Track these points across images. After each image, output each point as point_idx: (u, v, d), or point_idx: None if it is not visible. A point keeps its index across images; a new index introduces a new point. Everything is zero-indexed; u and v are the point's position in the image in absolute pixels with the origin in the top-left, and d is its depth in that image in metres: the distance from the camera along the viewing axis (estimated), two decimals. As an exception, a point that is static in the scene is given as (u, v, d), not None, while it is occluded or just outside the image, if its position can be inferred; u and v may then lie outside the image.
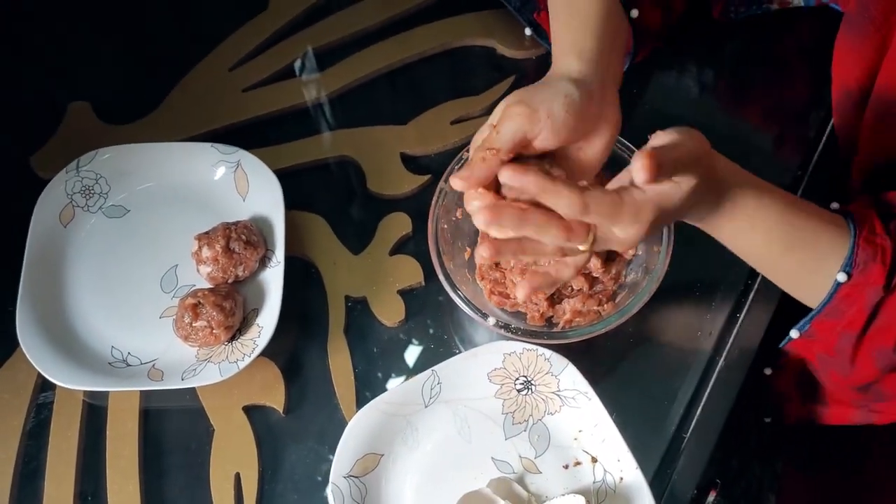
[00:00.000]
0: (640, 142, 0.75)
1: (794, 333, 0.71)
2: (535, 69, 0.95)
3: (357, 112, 0.93)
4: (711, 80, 0.94)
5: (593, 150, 0.62)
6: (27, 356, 0.75)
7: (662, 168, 0.54)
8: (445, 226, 0.75)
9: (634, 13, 0.77)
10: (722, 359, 0.77)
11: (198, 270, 0.80)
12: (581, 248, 0.58)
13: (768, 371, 0.80)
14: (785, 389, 0.80)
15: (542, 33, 0.92)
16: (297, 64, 0.96)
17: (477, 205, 0.57)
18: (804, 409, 0.79)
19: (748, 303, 0.79)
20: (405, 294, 0.83)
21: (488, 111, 0.90)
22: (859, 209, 0.66)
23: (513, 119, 0.58)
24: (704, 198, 0.60)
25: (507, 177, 0.55)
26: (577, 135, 0.61)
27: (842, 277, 0.64)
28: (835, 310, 0.67)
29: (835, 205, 0.68)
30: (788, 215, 0.63)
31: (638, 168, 0.53)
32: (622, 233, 0.57)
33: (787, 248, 0.65)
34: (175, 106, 0.94)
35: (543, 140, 0.59)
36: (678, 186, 0.57)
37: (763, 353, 0.77)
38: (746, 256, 0.67)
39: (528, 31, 0.94)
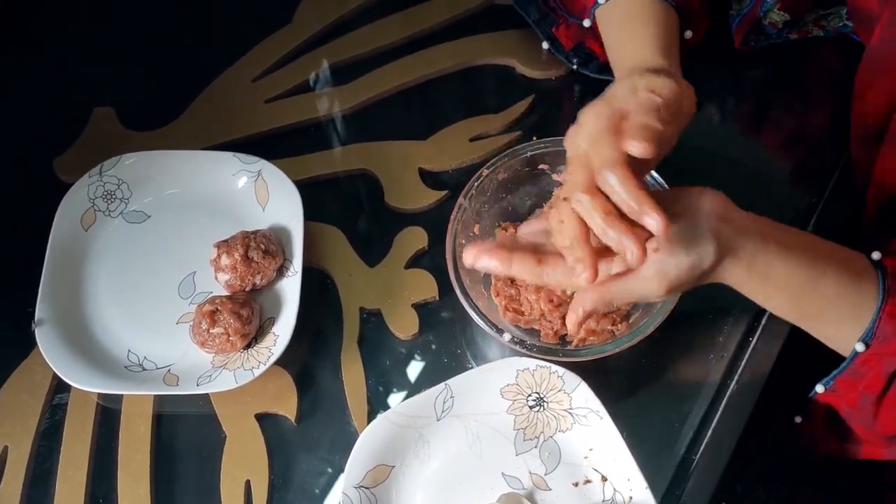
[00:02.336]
0: (657, 166, 0.77)
1: (819, 388, 0.71)
2: (554, 89, 0.96)
3: (376, 127, 0.95)
4: (729, 106, 0.94)
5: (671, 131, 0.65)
6: (45, 357, 0.76)
7: None
8: (463, 241, 0.76)
9: (688, 34, 0.80)
10: (734, 382, 0.77)
11: (216, 278, 0.81)
12: None
13: (798, 419, 0.80)
14: (814, 431, 0.79)
15: (559, 48, 0.93)
16: (319, 77, 0.98)
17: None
18: (835, 448, 0.78)
19: (760, 327, 0.80)
20: (419, 308, 0.83)
21: (507, 129, 0.92)
22: None
23: (669, 91, 0.63)
24: (718, 272, 0.61)
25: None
26: None
27: (860, 347, 0.64)
28: (855, 372, 0.66)
29: (876, 255, 0.67)
30: (813, 283, 0.62)
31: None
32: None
33: (809, 315, 0.65)
34: (198, 114, 0.95)
35: (676, 126, 0.65)
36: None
37: (791, 399, 0.77)
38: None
39: (545, 45, 0.95)
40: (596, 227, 0.57)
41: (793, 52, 0.94)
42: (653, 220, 0.55)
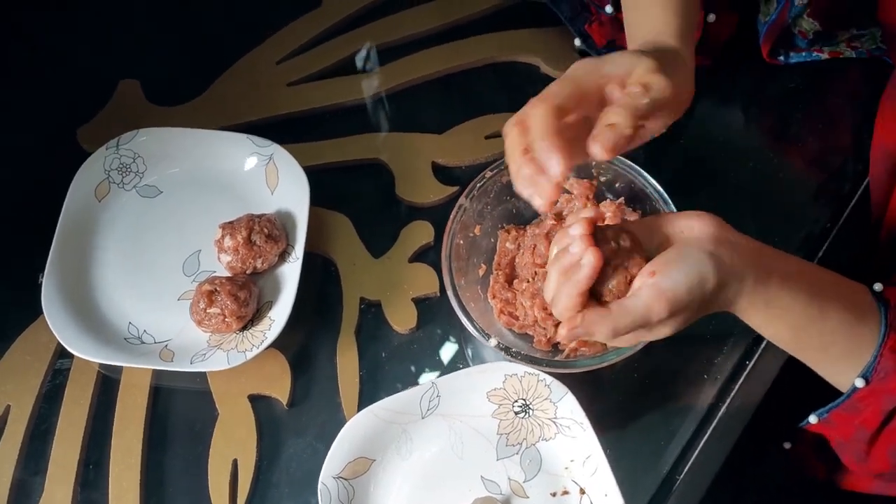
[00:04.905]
0: (669, 175, 0.75)
1: (812, 419, 0.69)
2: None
3: (395, 117, 0.95)
4: (752, 119, 0.92)
5: (657, 125, 0.64)
6: (48, 323, 0.78)
7: None
8: (461, 241, 0.76)
9: (711, 17, 0.78)
10: (724, 406, 0.76)
11: (218, 258, 0.82)
12: None
13: (787, 445, 0.78)
14: (802, 457, 0.78)
15: (592, 45, 0.92)
16: (342, 64, 0.98)
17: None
18: (822, 475, 0.76)
19: (758, 352, 0.78)
20: (419, 302, 0.84)
21: (524, 129, 0.91)
22: None
23: (661, 93, 0.60)
24: (723, 298, 0.59)
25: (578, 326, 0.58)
26: None
27: (860, 383, 0.62)
28: (852, 407, 0.65)
29: (878, 286, 0.65)
30: (815, 317, 0.60)
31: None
32: None
33: (809, 347, 0.63)
34: (220, 93, 0.96)
35: (664, 119, 0.63)
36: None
37: (780, 426, 0.76)
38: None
39: (577, 43, 0.93)
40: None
41: (822, 70, 0.91)
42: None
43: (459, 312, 0.71)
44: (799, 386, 0.71)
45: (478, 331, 0.70)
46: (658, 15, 0.69)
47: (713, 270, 0.57)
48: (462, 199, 0.76)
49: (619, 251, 0.59)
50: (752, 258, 0.59)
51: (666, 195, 0.74)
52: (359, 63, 0.98)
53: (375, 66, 0.97)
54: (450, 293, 0.72)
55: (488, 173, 0.76)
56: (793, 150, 0.90)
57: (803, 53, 0.89)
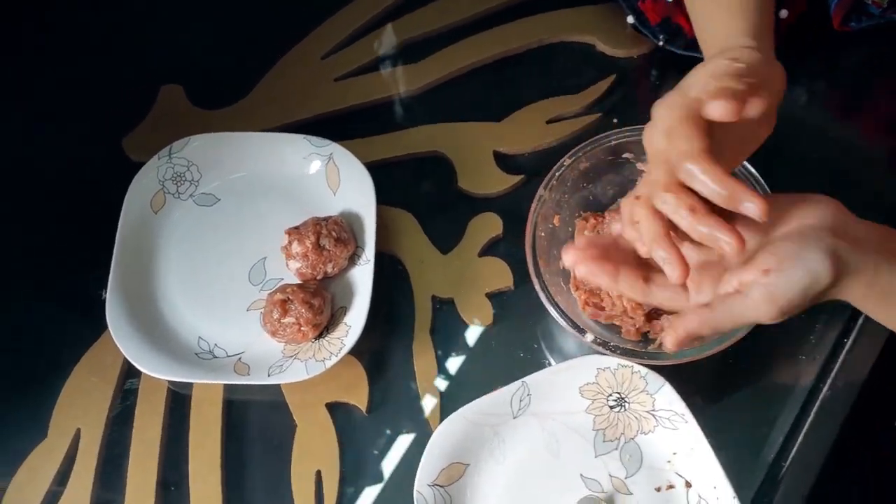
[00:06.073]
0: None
1: None
2: (636, 68, 0.91)
3: (450, 106, 0.91)
4: (825, 91, 0.89)
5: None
6: (116, 343, 0.75)
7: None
8: (542, 233, 0.73)
9: (784, 13, 0.74)
10: (826, 387, 0.73)
11: (287, 265, 0.79)
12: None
13: None
14: None
15: (645, 22, 0.88)
16: (390, 55, 0.94)
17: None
18: None
19: (856, 328, 0.75)
20: (493, 297, 0.81)
21: (585, 111, 0.89)
22: None
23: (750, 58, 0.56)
24: (833, 292, 0.55)
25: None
26: None
27: None
28: None
29: None
30: None
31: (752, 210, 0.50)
32: None
33: None
34: (266, 93, 0.93)
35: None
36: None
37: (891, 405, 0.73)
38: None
39: (630, 20, 0.89)
40: (685, 225, 0.53)
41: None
42: (751, 205, 0.50)
43: (550, 308, 0.68)
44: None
45: (572, 326, 0.68)
46: (726, 19, 0.64)
47: (829, 270, 0.52)
48: (541, 190, 0.73)
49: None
50: (870, 247, 0.54)
51: (759, 176, 0.71)
52: (407, 53, 0.94)
53: (425, 56, 0.94)
54: (538, 289, 0.69)
55: (567, 161, 0.73)
56: (871, 120, 0.87)
57: (876, 17, 0.85)
